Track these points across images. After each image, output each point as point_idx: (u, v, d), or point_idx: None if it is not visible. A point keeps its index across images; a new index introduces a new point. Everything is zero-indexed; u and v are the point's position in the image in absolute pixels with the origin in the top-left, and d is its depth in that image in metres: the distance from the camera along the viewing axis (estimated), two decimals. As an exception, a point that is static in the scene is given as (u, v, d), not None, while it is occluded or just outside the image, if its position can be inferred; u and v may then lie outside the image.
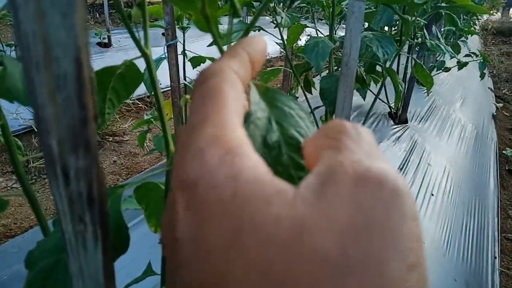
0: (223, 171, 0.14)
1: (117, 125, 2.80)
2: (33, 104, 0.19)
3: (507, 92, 4.11)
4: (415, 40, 1.59)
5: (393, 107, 1.91)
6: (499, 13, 13.15)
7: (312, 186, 0.13)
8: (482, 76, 2.39)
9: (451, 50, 1.25)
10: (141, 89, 3.10)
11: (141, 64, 0.39)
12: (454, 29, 2.53)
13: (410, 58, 1.90)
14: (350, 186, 0.13)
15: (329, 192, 0.13)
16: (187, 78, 1.60)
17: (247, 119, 0.23)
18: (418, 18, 1.27)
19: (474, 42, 5.40)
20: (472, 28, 3.27)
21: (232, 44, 0.21)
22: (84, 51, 0.18)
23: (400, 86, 1.23)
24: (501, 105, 3.62)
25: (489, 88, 3.94)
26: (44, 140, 0.19)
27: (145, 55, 0.37)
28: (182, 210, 0.14)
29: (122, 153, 2.56)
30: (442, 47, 1.21)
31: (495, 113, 3.27)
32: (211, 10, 0.28)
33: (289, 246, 0.12)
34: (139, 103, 3.11)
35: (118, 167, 2.41)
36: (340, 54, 1.39)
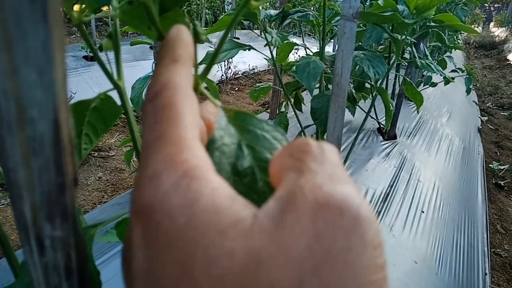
0: (177, 197, 0.13)
1: (103, 140, 2.75)
2: (3, 166, 0.16)
3: (491, 105, 4.19)
4: (404, 60, 1.60)
5: (384, 125, 1.91)
6: (480, 28, 13.55)
7: (271, 212, 0.13)
8: (468, 91, 2.43)
9: (441, 70, 1.26)
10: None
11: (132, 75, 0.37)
12: (440, 44, 2.57)
13: (398, 75, 1.91)
14: (310, 214, 0.12)
15: (288, 220, 0.12)
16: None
17: (210, 146, 0.21)
18: (407, 37, 1.28)
19: (457, 56, 5.52)
20: (456, 43, 3.33)
21: (164, 41, 0.20)
22: (63, 111, 0.16)
23: (391, 106, 1.23)
24: (486, 118, 3.69)
25: (474, 101, 4.02)
26: (16, 205, 0.17)
27: (117, 87, 0.34)
28: (137, 240, 0.13)
29: (108, 169, 2.51)
30: (433, 66, 1.22)
31: (481, 127, 3.32)
32: (162, 28, 0.26)
33: (243, 282, 0.11)
34: (125, 118, 3.06)
35: (103, 183, 2.35)
36: (330, 71, 1.39)
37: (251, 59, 4.58)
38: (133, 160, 1.77)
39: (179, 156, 0.14)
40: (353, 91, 1.32)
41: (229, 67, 4.16)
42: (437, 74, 1.31)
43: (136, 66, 3.36)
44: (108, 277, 0.94)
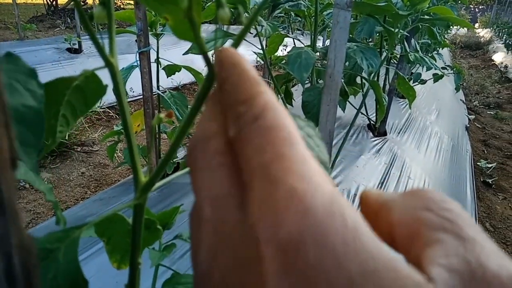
0: (337, 231, 0.11)
1: (86, 135, 2.66)
2: None
3: (478, 104, 4.23)
4: (395, 52, 1.57)
5: (376, 121, 1.89)
6: (465, 29, 13.75)
7: (451, 286, 0.12)
8: (457, 88, 2.42)
9: (434, 63, 1.23)
10: (112, 97, 2.97)
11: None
12: (429, 42, 2.57)
13: (389, 70, 1.89)
14: None
15: None
16: (161, 88, 1.52)
17: None
18: (401, 31, 1.24)
19: (444, 56, 5.56)
20: (444, 41, 3.34)
21: (225, 69, 0.18)
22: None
23: (383, 100, 1.19)
24: (473, 117, 3.71)
25: (461, 100, 4.04)
26: None
27: (110, 65, 0.29)
28: (275, 274, 0.12)
29: (91, 164, 2.43)
30: (427, 60, 1.19)
31: (468, 125, 3.34)
32: (195, 13, 0.22)
33: None
34: (110, 111, 2.98)
35: (86, 179, 2.28)
36: (320, 65, 1.35)
37: (241, 53, 4.52)
38: (116, 155, 1.70)
39: (319, 176, 0.13)
40: (344, 85, 1.28)
41: (242, 24, 4.10)
42: (432, 68, 1.28)
43: (122, 59, 3.26)
44: (89, 274, 0.88)
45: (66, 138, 2.46)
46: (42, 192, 0.37)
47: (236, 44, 0.21)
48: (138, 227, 0.33)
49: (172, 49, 3.58)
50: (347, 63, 1.49)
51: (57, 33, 5.57)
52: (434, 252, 0.13)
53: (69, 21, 6.32)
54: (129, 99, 3.21)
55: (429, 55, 2.70)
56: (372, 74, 1.21)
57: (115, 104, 3.01)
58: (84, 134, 2.65)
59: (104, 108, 2.95)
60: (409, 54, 1.24)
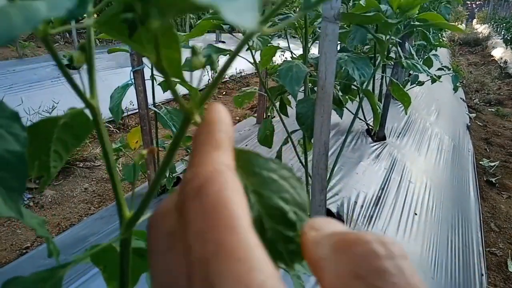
0: None
1: (88, 150, 2.68)
2: None
3: (478, 102, 4.21)
4: (389, 60, 1.57)
5: (372, 128, 1.88)
6: (463, 25, 13.72)
7: None
8: (455, 89, 2.42)
9: (427, 69, 1.23)
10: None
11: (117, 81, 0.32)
12: (425, 43, 2.56)
13: (384, 75, 1.89)
14: None
15: None
16: (159, 100, 1.53)
17: None
18: (392, 37, 1.25)
19: (443, 54, 5.54)
20: (441, 40, 3.33)
21: (201, 126, 0.18)
22: None
23: (378, 108, 1.19)
24: (474, 115, 3.69)
25: (461, 98, 4.03)
26: None
27: (90, 107, 0.30)
28: None
29: (94, 179, 2.44)
30: (419, 66, 1.19)
31: (469, 123, 3.32)
32: (169, 51, 0.23)
33: None
34: (110, 126, 3.00)
35: (89, 194, 2.29)
36: (315, 74, 1.35)
37: (238, 63, 4.54)
38: (118, 169, 1.71)
39: (252, 277, 0.12)
40: (340, 93, 1.29)
41: (216, 71, 4.11)
42: (423, 73, 1.28)
43: (121, 73, 3.30)
44: None
45: (68, 155, 2.47)
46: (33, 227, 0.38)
47: (230, 61, 0.22)
48: (125, 261, 0.33)
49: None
50: (342, 69, 1.50)
51: (56, 49, 5.60)
52: None
53: (68, 35, 6.37)
54: (129, 112, 3.23)
55: (425, 56, 2.69)
56: (365, 83, 1.21)
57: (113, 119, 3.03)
58: (86, 150, 2.67)
59: (104, 121, 2.97)
60: (401, 61, 1.24)
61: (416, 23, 1.23)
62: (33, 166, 0.35)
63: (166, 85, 1.46)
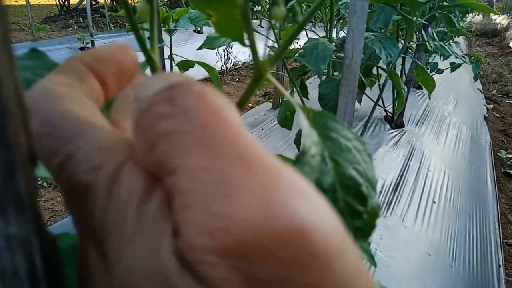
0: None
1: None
2: None
3: (496, 93, 4.12)
4: (412, 42, 1.53)
5: (394, 113, 1.85)
6: (480, 15, 13.41)
7: None
8: (475, 77, 2.36)
9: (456, 51, 1.19)
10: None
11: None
12: (445, 30, 2.50)
13: (405, 60, 1.84)
14: None
15: None
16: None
17: (302, 158, 0.19)
18: (418, 19, 1.21)
19: (460, 44, 5.43)
20: (461, 26, 3.25)
21: None
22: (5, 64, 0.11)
23: (403, 91, 1.16)
24: (491, 106, 3.62)
25: (478, 89, 3.95)
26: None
27: (150, 61, 0.28)
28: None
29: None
30: (447, 48, 1.15)
31: (487, 115, 3.25)
32: (232, 10, 0.22)
33: None
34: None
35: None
36: (335, 57, 1.32)
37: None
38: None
39: (102, 157, 0.12)
40: (362, 76, 1.25)
41: (229, 57, 4.08)
42: (452, 55, 1.24)
43: (139, 55, 3.29)
44: None
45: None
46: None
47: (289, 41, 0.21)
48: None
49: (184, 45, 3.58)
50: (362, 55, 1.46)
51: (70, 33, 5.62)
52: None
53: (81, 20, 6.37)
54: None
55: (446, 43, 2.63)
56: (391, 65, 1.18)
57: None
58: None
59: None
60: (427, 43, 1.20)
61: (445, 3, 1.19)
62: None
63: (185, 66, 1.43)
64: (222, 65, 4.04)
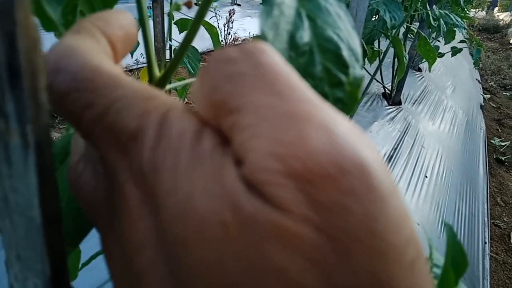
0: None
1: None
2: None
3: (493, 85, 4.13)
4: (411, 31, 1.51)
5: (392, 83, 1.84)
6: (483, 12, 13.34)
7: None
8: (476, 63, 2.35)
9: (460, 20, 1.18)
10: (124, 59, 2.94)
11: None
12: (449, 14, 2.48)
13: (405, 39, 1.83)
14: None
15: None
16: (173, 41, 1.48)
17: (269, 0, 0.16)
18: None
19: (461, 38, 5.41)
20: (466, 12, 3.22)
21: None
22: None
23: (404, 59, 1.15)
24: (488, 96, 3.63)
25: (476, 79, 3.95)
26: None
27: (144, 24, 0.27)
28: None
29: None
30: (452, 16, 1.13)
31: (483, 104, 3.27)
32: None
33: None
34: (121, 75, 2.96)
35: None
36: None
37: (252, 26, 4.44)
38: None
39: (148, 104, 0.12)
40: (364, 42, 1.24)
41: (229, 33, 4.02)
42: (460, 26, 1.22)
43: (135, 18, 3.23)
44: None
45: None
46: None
47: None
48: None
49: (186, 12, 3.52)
50: (370, 20, 1.44)
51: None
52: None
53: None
54: (139, 66, 3.18)
55: (449, 27, 2.61)
56: (395, 31, 1.16)
57: (124, 68, 2.98)
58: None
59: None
60: (432, 11, 1.18)
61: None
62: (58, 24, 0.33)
63: (184, 24, 1.40)
64: (222, 40, 3.98)
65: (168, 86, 0.35)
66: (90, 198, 0.14)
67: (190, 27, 0.24)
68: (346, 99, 0.19)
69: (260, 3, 1.29)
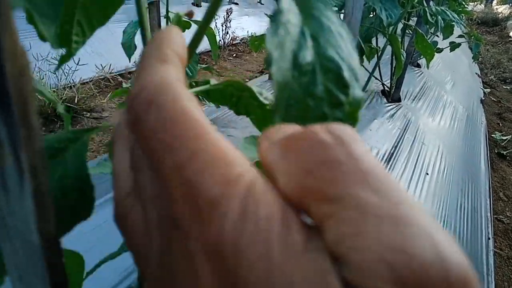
0: (248, 236, 0.10)
1: (95, 101, 2.65)
2: None
3: (493, 78, 4.12)
4: (409, 27, 1.50)
5: (391, 81, 1.83)
6: (482, 5, 13.30)
7: None
8: (475, 57, 2.34)
9: (456, 17, 1.17)
10: (122, 64, 2.94)
11: None
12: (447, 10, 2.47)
13: (404, 35, 1.82)
14: None
15: None
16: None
17: (277, 17, 0.16)
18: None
19: (459, 33, 5.40)
20: (461, 16, 3.21)
21: (150, 40, 0.17)
22: None
23: (402, 56, 1.15)
24: (488, 90, 3.62)
25: (476, 73, 3.94)
26: None
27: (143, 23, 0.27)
28: (206, 281, 0.11)
29: (101, 129, 2.43)
30: (448, 12, 1.13)
31: (483, 98, 3.26)
32: None
33: None
34: (119, 78, 2.96)
35: (96, 144, 2.28)
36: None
37: (250, 25, 4.44)
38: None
39: (231, 171, 0.11)
40: (361, 41, 1.23)
41: (227, 32, 4.02)
42: (457, 22, 1.21)
43: (132, 20, 3.23)
44: (109, 216, 0.89)
45: (75, 103, 2.46)
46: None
47: None
48: None
49: (178, 7, 3.51)
50: (367, 17, 1.44)
51: None
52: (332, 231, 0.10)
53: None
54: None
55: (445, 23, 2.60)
56: (392, 28, 1.16)
57: (124, 71, 2.99)
58: (93, 101, 2.64)
59: (114, 74, 2.93)
60: (427, 8, 1.18)
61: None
62: (56, 33, 0.32)
63: (180, 25, 1.42)
64: (220, 40, 3.98)
65: (197, 88, 0.34)
66: (137, 240, 0.14)
67: (192, 40, 0.23)
68: (345, 120, 0.19)
69: (258, 1, 1.28)
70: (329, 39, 0.18)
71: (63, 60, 0.35)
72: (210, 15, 0.21)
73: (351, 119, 0.19)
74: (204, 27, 0.22)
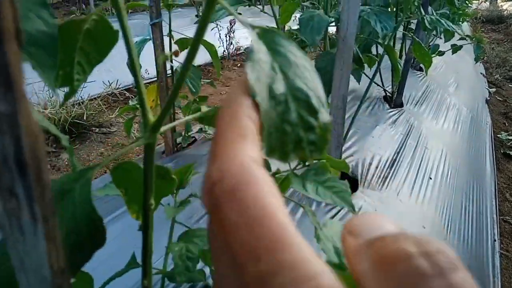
0: None
1: (104, 116, 2.71)
2: None
3: (499, 77, 4.10)
4: (409, 31, 1.53)
5: (392, 86, 1.85)
6: (487, 3, 13.20)
7: None
8: (477, 59, 2.35)
9: (452, 25, 1.20)
10: (128, 79, 3.00)
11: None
12: (448, 12, 2.48)
13: (405, 41, 1.85)
14: None
15: None
16: (174, 62, 1.53)
17: (252, 56, 0.19)
18: (416, -6, 1.21)
19: (464, 30, 5.37)
20: (463, 18, 3.21)
21: (225, 107, 0.17)
22: None
23: (398, 65, 1.17)
24: (493, 90, 3.61)
25: (481, 73, 3.93)
26: None
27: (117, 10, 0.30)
28: None
29: (110, 144, 2.48)
30: (443, 21, 1.15)
31: (489, 98, 3.25)
32: None
33: None
34: (127, 93, 3.02)
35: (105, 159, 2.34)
36: (334, 36, 1.33)
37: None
38: (133, 130, 1.73)
39: (316, 283, 0.11)
40: (359, 51, 1.27)
41: (231, 43, 4.07)
42: (449, 29, 1.24)
43: (136, 41, 3.29)
44: (116, 233, 0.94)
45: (84, 119, 2.52)
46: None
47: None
48: (149, 167, 0.33)
49: (186, 31, 3.57)
50: (365, 28, 1.46)
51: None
52: None
53: (84, 7, 6.37)
54: (144, 81, 3.23)
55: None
56: (388, 39, 1.19)
57: (131, 86, 3.05)
58: (102, 116, 2.70)
59: (121, 89, 2.99)
60: (425, 17, 1.21)
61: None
62: (57, 76, 0.36)
63: (183, 44, 1.43)
64: (224, 50, 4.03)
65: (189, 117, 0.37)
66: None
67: (185, 60, 0.27)
68: (318, 142, 0.23)
69: (261, 11, 1.33)
70: (295, 72, 0.21)
71: (67, 97, 0.38)
72: (201, 29, 0.23)
73: (322, 141, 0.22)
74: (197, 41, 0.24)
